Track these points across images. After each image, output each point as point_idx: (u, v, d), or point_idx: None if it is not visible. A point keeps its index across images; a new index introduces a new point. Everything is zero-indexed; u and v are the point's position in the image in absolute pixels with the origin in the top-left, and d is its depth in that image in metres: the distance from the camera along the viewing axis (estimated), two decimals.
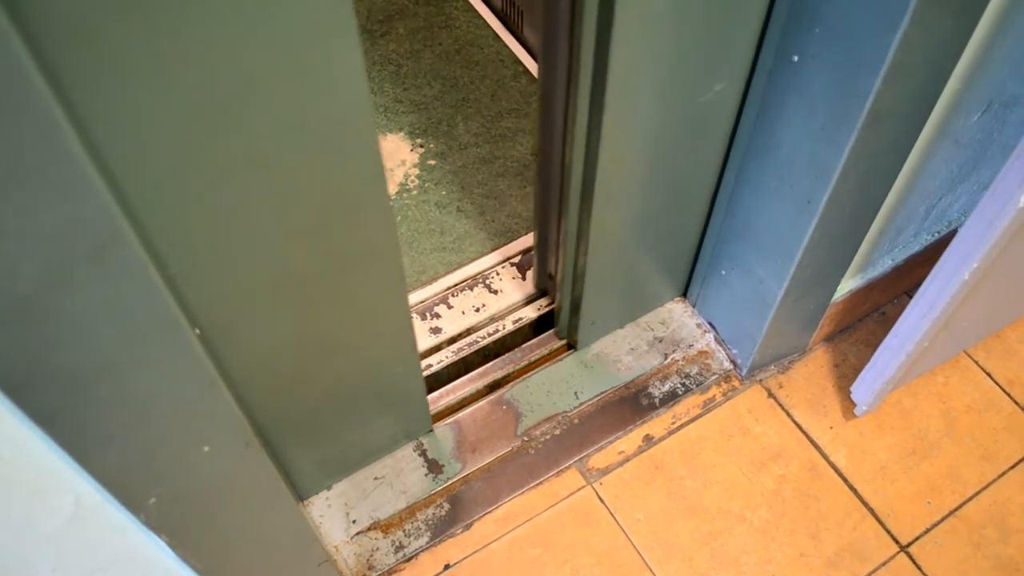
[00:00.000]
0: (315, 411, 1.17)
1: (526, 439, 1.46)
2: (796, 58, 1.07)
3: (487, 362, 1.53)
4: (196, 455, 0.80)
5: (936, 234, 1.53)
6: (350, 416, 1.24)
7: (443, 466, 1.42)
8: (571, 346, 1.55)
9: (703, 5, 1.00)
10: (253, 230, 0.81)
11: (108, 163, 0.63)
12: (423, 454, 1.43)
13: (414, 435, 1.43)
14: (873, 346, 1.58)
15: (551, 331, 1.56)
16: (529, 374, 1.52)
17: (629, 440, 1.48)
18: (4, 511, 0.70)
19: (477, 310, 1.53)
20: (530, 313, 1.53)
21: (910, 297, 1.65)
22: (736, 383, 1.55)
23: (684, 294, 1.61)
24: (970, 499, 1.45)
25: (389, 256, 0.98)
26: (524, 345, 1.54)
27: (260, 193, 0.78)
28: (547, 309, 1.54)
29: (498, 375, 1.51)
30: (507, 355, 1.53)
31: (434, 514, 1.39)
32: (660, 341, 1.57)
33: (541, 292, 1.55)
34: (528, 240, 1.62)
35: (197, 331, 0.78)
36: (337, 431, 1.26)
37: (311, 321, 0.99)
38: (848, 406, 1.53)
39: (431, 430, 1.45)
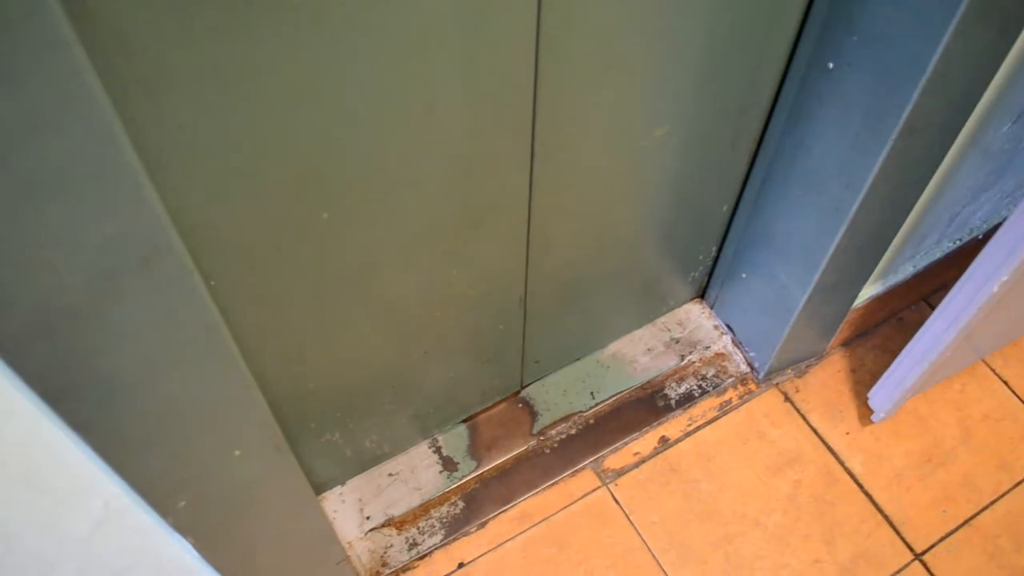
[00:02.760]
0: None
1: (542, 438, 1.45)
2: (831, 65, 1.06)
3: None
4: (227, 459, 0.79)
5: (957, 241, 1.52)
6: (455, 369, 1.29)
7: (458, 464, 1.42)
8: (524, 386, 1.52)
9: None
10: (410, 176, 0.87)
11: (159, 172, 0.62)
12: (438, 451, 1.42)
13: (511, 389, 1.47)
14: (890, 352, 1.58)
15: None
16: (543, 376, 1.51)
17: (645, 441, 1.47)
18: (33, 515, 0.70)
19: None
20: None
21: (928, 303, 1.64)
22: (753, 386, 1.54)
23: (702, 296, 1.61)
24: (985, 508, 1.45)
25: (517, 206, 1.04)
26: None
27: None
28: None
29: None
30: None
31: (449, 512, 1.38)
32: (677, 342, 1.57)
33: None
34: None
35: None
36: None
37: (442, 270, 1.04)
38: (865, 412, 1.52)
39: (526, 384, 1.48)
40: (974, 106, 1.07)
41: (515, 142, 0.94)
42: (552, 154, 1.00)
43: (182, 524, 0.81)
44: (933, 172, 1.17)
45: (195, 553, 0.87)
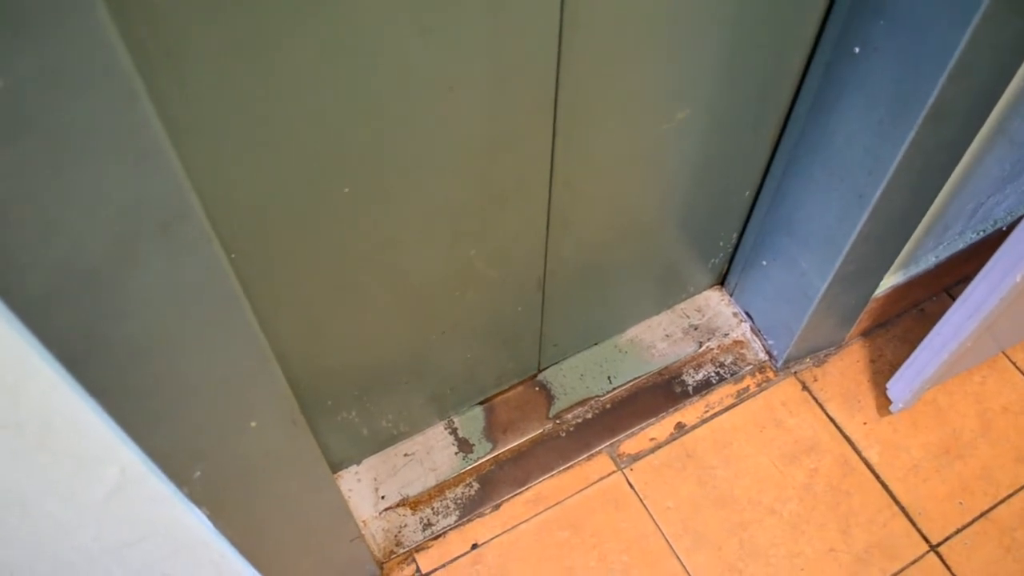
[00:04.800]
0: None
1: (558, 422, 1.45)
2: (857, 50, 1.05)
3: None
4: (244, 430, 0.79)
5: (981, 232, 1.51)
6: (474, 350, 1.29)
7: (474, 445, 1.42)
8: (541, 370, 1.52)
9: None
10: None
11: (180, 140, 0.63)
12: (454, 432, 1.43)
13: (526, 373, 1.47)
14: (910, 342, 1.57)
15: None
16: (561, 360, 1.51)
17: (661, 427, 1.47)
18: (52, 481, 0.70)
19: None
20: None
21: (950, 294, 1.63)
22: (771, 374, 1.54)
23: (722, 282, 1.60)
24: (1002, 501, 1.44)
25: (542, 185, 1.03)
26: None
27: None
28: None
29: None
30: None
31: (463, 493, 1.39)
32: (695, 329, 1.56)
33: None
34: None
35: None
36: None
37: (459, 250, 1.05)
38: (883, 402, 1.52)
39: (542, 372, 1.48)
40: (1001, 93, 1.06)
41: (536, 122, 0.94)
42: (574, 134, 0.99)
43: (197, 494, 0.81)
44: (957, 161, 1.16)
45: (210, 524, 0.87)
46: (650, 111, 1.05)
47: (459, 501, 1.38)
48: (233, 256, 0.82)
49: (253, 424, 0.79)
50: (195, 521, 0.87)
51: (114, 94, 0.47)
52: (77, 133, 0.48)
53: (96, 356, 0.61)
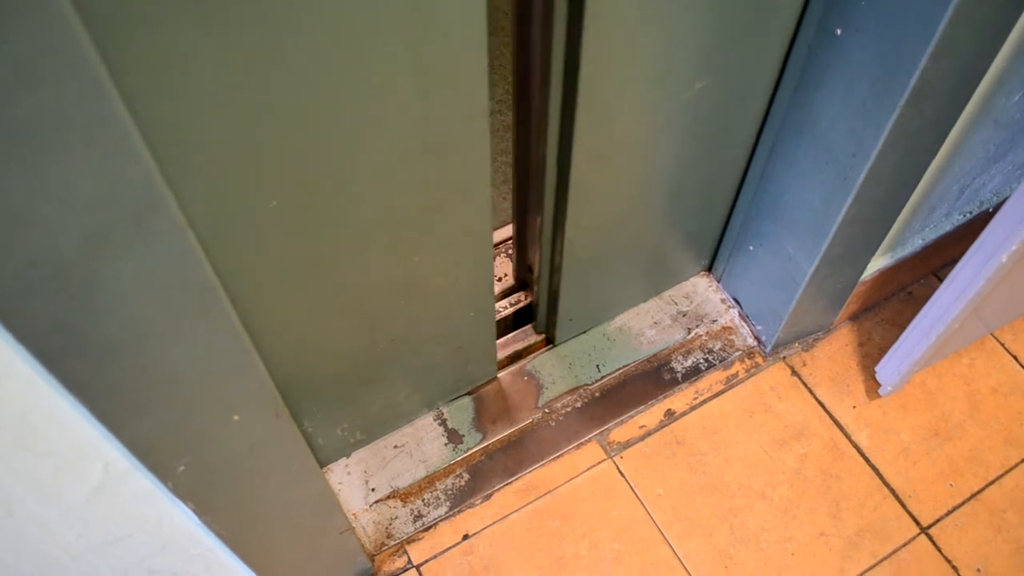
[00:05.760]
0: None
1: (547, 411, 1.45)
2: (839, 31, 1.04)
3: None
4: (226, 424, 0.79)
5: (968, 214, 1.51)
6: (423, 356, 1.26)
7: (463, 436, 1.41)
8: (549, 341, 1.52)
9: None
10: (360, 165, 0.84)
11: (149, 126, 0.62)
12: (443, 423, 1.42)
13: (483, 378, 1.45)
14: (899, 326, 1.57)
15: (529, 325, 1.54)
16: (542, 351, 1.50)
17: (651, 414, 1.47)
18: (34, 480, 0.70)
19: None
20: (504, 308, 1.50)
21: (937, 277, 1.63)
22: (759, 360, 1.53)
23: (709, 269, 1.60)
24: (992, 482, 1.44)
25: (484, 192, 1.00)
26: (500, 340, 1.51)
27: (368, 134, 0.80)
28: (524, 303, 1.51)
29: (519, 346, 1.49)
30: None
31: (453, 484, 1.38)
32: (684, 315, 1.56)
33: (519, 285, 1.53)
34: (505, 232, 1.59)
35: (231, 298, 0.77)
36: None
37: (400, 258, 1.02)
38: (872, 386, 1.52)
39: (496, 377, 1.46)
40: (984, 73, 1.06)
41: (472, 129, 0.91)
42: (594, 108, 0.99)
43: (182, 490, 0.81)
44: (942, 141, 1.16)
45: (196, 519, 0.87)
46: (669, 80, 1.06)
47: (449, 492, 1.38)
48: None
49: (236, 418, 0.79)
50: (181, 516, 0.86)
51: (80, 84, 0.47)
52: (43, 125, 0.47)
53: (73, 351, 0.60)
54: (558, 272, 1.33)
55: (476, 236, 1.08)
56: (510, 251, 1.54)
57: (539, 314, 1.48)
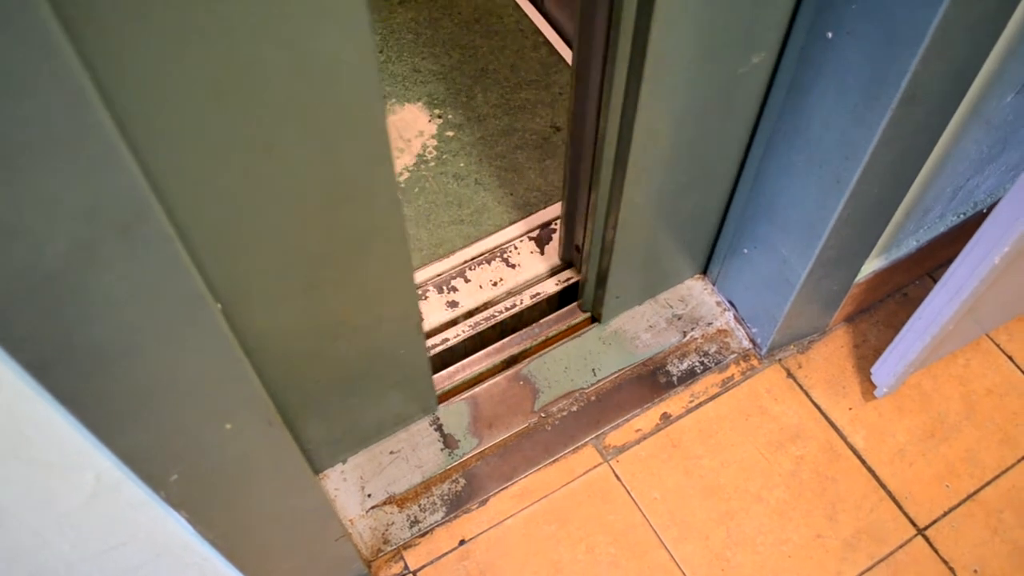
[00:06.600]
0: (326, 387, 1.15)
1: (543, 415, 1.45)
2: (830, 34, 1.05)
3: (504, 337, 1.51)
4: (218, 433, 0.79)
5: (962, 215, 1.51)
6: (359, 393, 1.23)
7: (459, 441, 1.41)
8: (595, 319, 1.53)
9: None
10: (261, 210, 0.80)
11: (134, 137, 0.62)
12: (439, 429, 1.42)
13: (421, 413, 1.42)
14: (894, 327, 1.57)
15: (574, 304, 1.54)
16: (547, 349, 1.50)
17: (647, 418, 1.47)
18: (25, 490, 0.69)
19: (495, 284, 1.52)
20: (550, 287, 1.51)
21: (932, 278, 1.63)
22: (755, 362, 1.53)
23: (704, 271, 1.60)
24: (989, 483, 1.44)
25: (396, 237, 0.95)
26: (543, 320, 1.52)
27: (267, 174, 0.76)
28: (569, 282, 1.52)
29: (515, 350, 1.49)
30: (525, 330, 1.51)
31: (450, 489, 1.38)
32: (679, 319, 1.56)
33: (565, 264, 1.53)
34: (546, 214, 1.61)
35: (219, 307, 0.77)
36: (348, 407, 1.24)
37: (318, 300, 0.98)
38: (867, 387, 1.52)
39: (436, 410, 1.44)
40: (975, 75, 1.06)
41: (378, 174, 0.87)
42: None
43: (175, 498, 0.80)
44: (934, 143, 1.16)
45: (190, 528, 0.87)
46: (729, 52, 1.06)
47: (445, 497, 1.37)
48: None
49: (228, 426, 0.79)
50: (175, 525, 0.86)
51: (63, 94, 0.47)
52: (27, 136, 0.47)
53: (63, 362, 0.60)
54: (610, 250, 1.35)
55: (397, 277, 1.03)
56: (554, 231, 1.58)
57: (586, 292, 1.50)
